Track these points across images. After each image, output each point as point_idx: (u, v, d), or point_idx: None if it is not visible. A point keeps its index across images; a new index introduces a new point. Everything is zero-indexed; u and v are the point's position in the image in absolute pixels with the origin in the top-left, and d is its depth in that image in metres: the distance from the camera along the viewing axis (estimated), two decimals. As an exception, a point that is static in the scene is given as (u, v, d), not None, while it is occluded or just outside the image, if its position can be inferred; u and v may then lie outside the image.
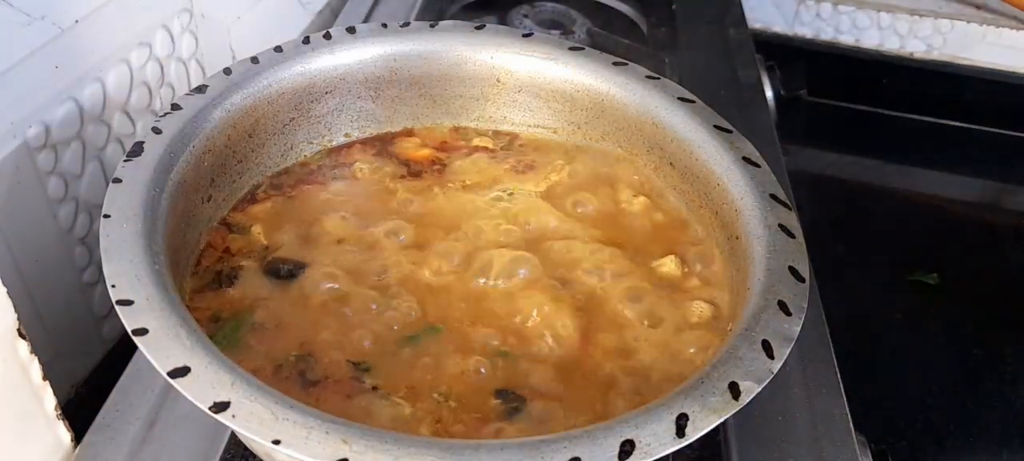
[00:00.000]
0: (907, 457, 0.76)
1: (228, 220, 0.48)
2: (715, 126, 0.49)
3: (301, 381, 0.40)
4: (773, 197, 0.44)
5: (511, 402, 0.40)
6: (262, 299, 0.44)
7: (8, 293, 0.39)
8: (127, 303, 0.35)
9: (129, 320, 0.34)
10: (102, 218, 0.38)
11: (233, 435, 0.46)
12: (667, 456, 0.32)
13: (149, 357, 0.33)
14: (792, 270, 0.40)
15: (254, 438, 0.31)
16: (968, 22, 1.06)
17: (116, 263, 0.36)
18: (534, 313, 0.44)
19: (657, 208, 0.51)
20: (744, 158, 0.47)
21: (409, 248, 0.48)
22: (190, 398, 0.32)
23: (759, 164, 0.46)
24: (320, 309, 0.43)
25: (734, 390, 0.34)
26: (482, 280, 0.45)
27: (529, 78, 0.55)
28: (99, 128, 0.55)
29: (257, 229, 0.48)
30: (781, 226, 0.43)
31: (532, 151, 0.56)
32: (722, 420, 0.33)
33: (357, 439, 0.31)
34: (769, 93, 0.85)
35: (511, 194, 0.52)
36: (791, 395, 0.51)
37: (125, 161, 0.42)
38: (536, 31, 0.56)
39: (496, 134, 0.57)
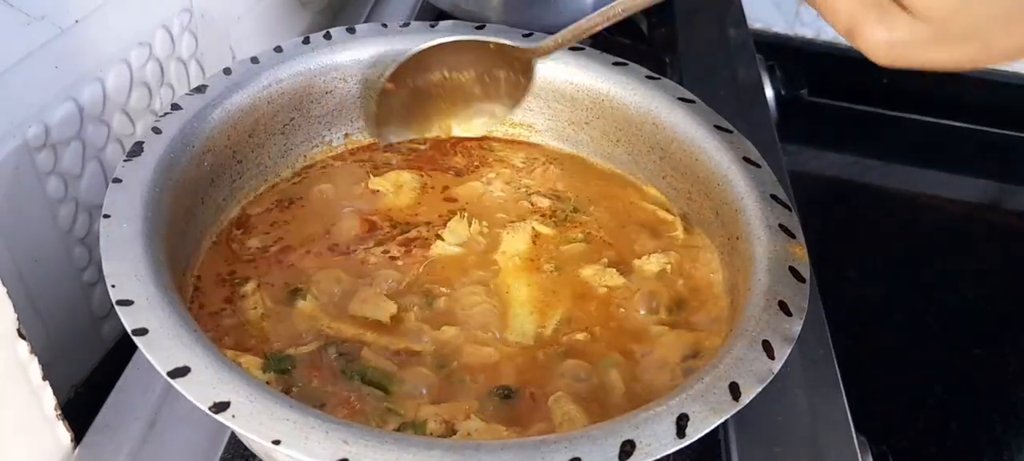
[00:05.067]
0: (907, 457, 0.76)
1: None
2: (715, 126, 0.49)
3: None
4: (773, 197, 0.44)
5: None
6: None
7: (8, 293, 0.39)
8: (127, 303, 0.34)
9: (129, 320, 0.34)
10: (102, 218, 0.38)
11: (233, 435, 0.46)
12: (667, 455, 0.32)
13: (149, 357, 0.33)
14: (792, 270, 0.40)
15: (254, 438, 0.31)
16: (968, 22, 1.05)
17: (116, 263, 0.36)
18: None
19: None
20: (744, 158, 0.47)
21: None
22: (190, 398, 0.32)
23: (759, 164, 0.46)
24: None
25: (734, 390, 0.34)
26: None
27: (529, 78, 0.55)
28: (99, 128, 0.55)
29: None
30: (781, 226, 0.43)
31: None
32: (723, 420, 0.33)
33: (357, 439, 0.30)
34: (769, 93, 0.84)
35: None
36: (791, 395, 0.50)
37: (125, 161, 0.42)
38: (536, 30, 0.56)
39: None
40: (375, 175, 0.53)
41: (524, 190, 0.53)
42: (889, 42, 0.32)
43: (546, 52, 0.50)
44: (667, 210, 0.51)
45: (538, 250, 0.49)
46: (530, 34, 0.55)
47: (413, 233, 0.49)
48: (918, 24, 0.31)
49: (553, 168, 0.55)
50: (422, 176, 0.53)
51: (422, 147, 0.55)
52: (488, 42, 0.51)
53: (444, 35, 0.51)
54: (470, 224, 0.49)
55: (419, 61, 0.50)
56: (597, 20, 0.46)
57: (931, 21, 0.31)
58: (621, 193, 0.53)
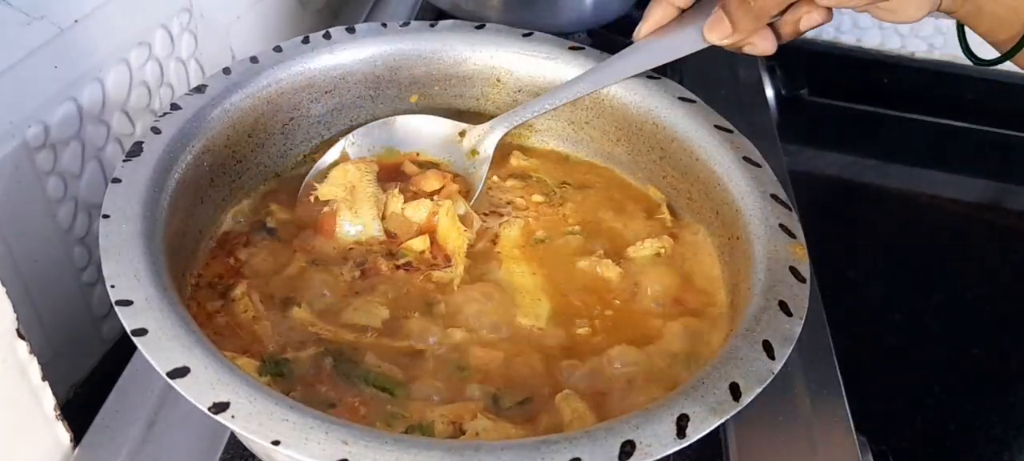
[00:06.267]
0: (907, 457, 0.76)
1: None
2: (716, 126, 0.49)
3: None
4: (774, 197, 0.44)
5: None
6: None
7: (7, 293, 0.39)
8: (126, 303, 0.34)
9: (128, 320, 0.34)
10: (101, 218, 0.38)
11: (233, 435, 0.46)
12: (667, 455, 0.32)
13: (148, 358, 0.33)
14: (793, 270, 0.40)
15: (253, 438, 0.31)
16: (969, 22, 1.05)
17: (115, 263, 0.36)
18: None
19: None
20: (745, 158, 0.47)
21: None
22: (189, 398, 0.32)
23: (760, 164, 0.46)
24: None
25: (735, 391, 0.34)
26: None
27: (529, 78, 0.55)
28: (98, 128, 0.55)
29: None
30: (782, 226, 0.43)
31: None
32: (723, 421, 0.33)
33: (356, 440, 0.30)
34: (770, 93, 0.84)
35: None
36: (791, 395, 0.50)
37: (124, 161, 0.41)
38: (536, 30, 0.56)
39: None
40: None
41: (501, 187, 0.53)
42: None
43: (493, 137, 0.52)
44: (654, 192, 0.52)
45: (531, 244, 0.49)
46: (530, 33, 0.55)
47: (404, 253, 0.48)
48: None
49: (526, 160, 0.55)
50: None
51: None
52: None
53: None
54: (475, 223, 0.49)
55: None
56: (545, 105, 0.50)
57: None
58: (605, 177, 0.54)
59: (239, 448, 0.46)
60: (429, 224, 0.49)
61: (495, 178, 0.53)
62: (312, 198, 0.49)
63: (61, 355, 0.54)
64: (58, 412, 0.44)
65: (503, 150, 0.55)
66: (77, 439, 0.46)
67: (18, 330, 0.40)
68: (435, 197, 0.50)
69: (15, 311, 0.40)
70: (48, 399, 0.43)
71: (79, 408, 0.48)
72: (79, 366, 0.57)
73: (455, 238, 0.47)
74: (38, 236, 0.52)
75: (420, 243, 0.48)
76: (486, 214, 0.51)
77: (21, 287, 0.50)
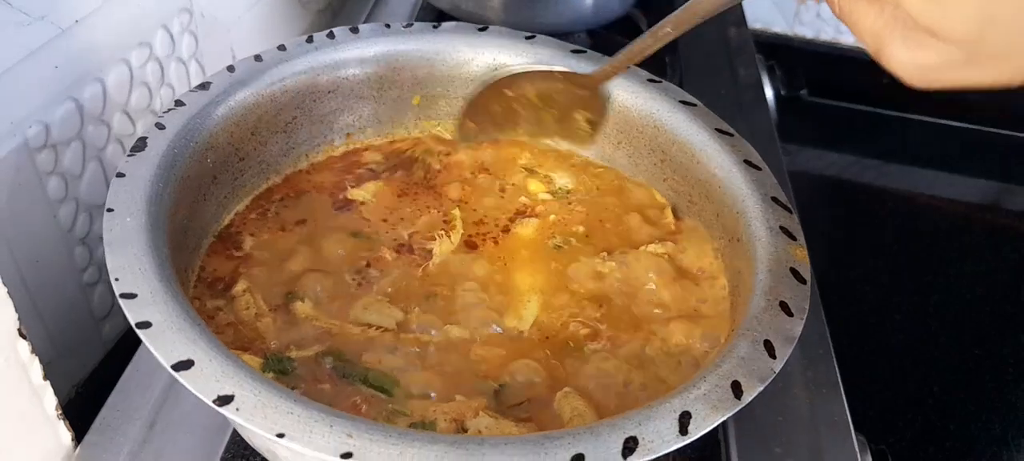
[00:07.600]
0: (907, 457, 0.76)
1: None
2: (716, 129, 0.49)
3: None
4: (775, 200, 0.44)
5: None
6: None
7: (8, 293, 0.39)
8: (131, 296, 0.34)
9: (133, 313, 0.34)
10: (106, 212, 0.38)
11: (233, 435, 0.46)
12: (666, 455, 0.32)
13: (153, 350, 0.33)
14: (793, 271, 0.40)
15: (257, 431, 0.31)
16: (968, 23, 1.05)
17: (120, 257, 0.36)
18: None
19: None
20: (745, 161, 0.47)
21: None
22: (194, 391, 0.31)
23: (760, 167, 0.47)
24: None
25: (736, 389, 0.34)
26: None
27: (531, 79, 0.55)
28: (99, 128, 0.55)
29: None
30: (782, 228, 0.43)
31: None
32: (724, 418, 0.33)
33: (361, 433, 0.30)
34: (769, 93, 0.85)
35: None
36: (791, 395, 0.51)
37: (129, 156, 0.42)
38: (536, 31, 0.56)
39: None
40: (353, 186, 0.52)
41: (513, 186, 0.53)
42: (916, 64, 0.31)
43: (605, 78, 0.51)
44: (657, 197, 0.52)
45: (535, 244, 0.49)
46: (532, 36, 0.55)
47: (405, 237, 0.49)
48: (944, 46, 0.30)
49: (537, 159, 0.56)
50: (403, 183, 0.53)
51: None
52: (553, 71, 0.52)
53: (520, 65, 0.53)
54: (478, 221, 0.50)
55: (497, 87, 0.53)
56: (648, 41, 0.46)
57: (956, 43, 0.29)
58: (608, 178, 0.54)
59: (240, 447, 0.46)
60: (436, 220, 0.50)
61: (512, 181, 0.54)
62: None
63: (63, 354, 0.54)
64: (59, 411, 0.44)
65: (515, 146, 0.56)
66: (78, 438, 0.46)
67: (20, 330, 0.40)
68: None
69: (16, 311, 0.40)
70: (49, 398, 0.43)
71: (80, 407, 0.48)
72: (81, 365, 0.57)
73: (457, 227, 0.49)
74: (39, 236, 0.52)
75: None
76: (515, 213, 0.51)
77: (23, 287, 0.50)
